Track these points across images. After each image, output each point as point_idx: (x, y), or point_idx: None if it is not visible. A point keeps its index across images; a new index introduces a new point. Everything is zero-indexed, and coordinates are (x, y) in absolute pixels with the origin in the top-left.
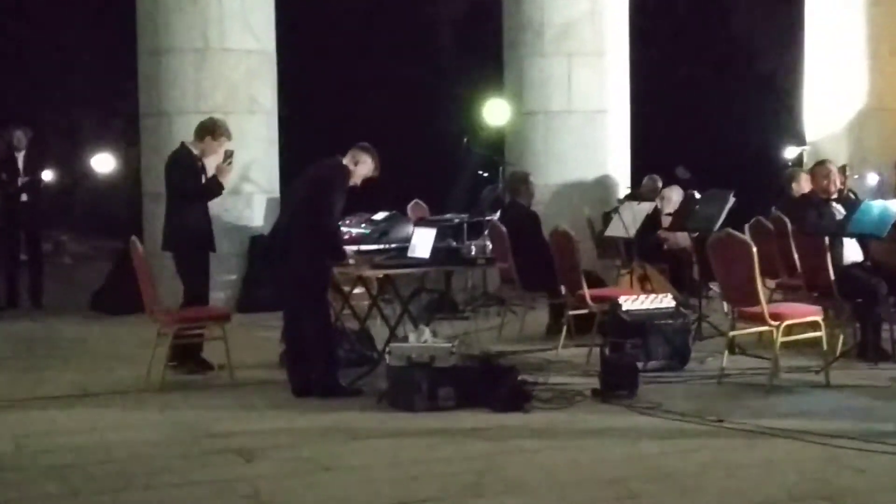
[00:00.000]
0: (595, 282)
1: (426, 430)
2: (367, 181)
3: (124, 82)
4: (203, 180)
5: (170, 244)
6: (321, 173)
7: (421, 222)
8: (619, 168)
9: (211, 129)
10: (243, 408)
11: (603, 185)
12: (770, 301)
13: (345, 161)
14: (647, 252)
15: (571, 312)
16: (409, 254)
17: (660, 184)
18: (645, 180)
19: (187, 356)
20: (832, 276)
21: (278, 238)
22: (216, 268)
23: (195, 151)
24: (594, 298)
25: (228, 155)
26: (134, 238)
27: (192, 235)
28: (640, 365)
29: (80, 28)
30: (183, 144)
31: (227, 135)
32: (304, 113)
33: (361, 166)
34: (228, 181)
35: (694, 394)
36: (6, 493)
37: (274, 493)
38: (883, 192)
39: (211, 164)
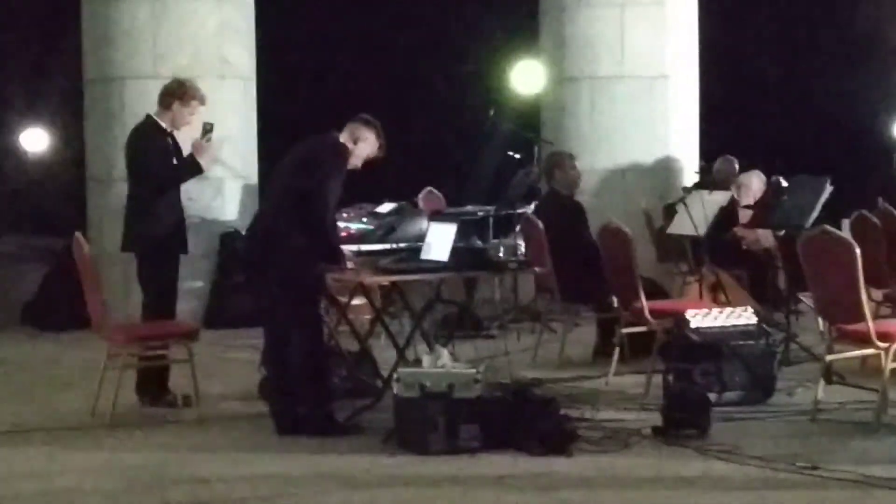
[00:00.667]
0: (655, 292)
1: (444, 478)
2: (369, 162)
3: (62, 39)
4: (175, 161)
5: (132, 244)
6: (312, 154)
7: (437, 216)
8: (684, 148)
9: (177, 93)
10: (214, 449)
11: (664, 169)
12: (877, 317)
13: (342, 138)
14: (721, 254)
15: (625, 330)
16: (423, 256)
17: (736, 166)
18: (717, 163)
19: (162, 386)
20: None
21: (257, 236)
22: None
23: (163, 124)
24: (654, 313)
25: (207, 129)
26: (77, 235)
27: (160, 233)
28: (712, 397)
29: None
30: (148, 117)
31: (200, 99)
32: (290, 78)
33: (363, 144)
34: (208, 162)
35: (781, 433)
36: None
37: None
38: None
39: (186, 138)
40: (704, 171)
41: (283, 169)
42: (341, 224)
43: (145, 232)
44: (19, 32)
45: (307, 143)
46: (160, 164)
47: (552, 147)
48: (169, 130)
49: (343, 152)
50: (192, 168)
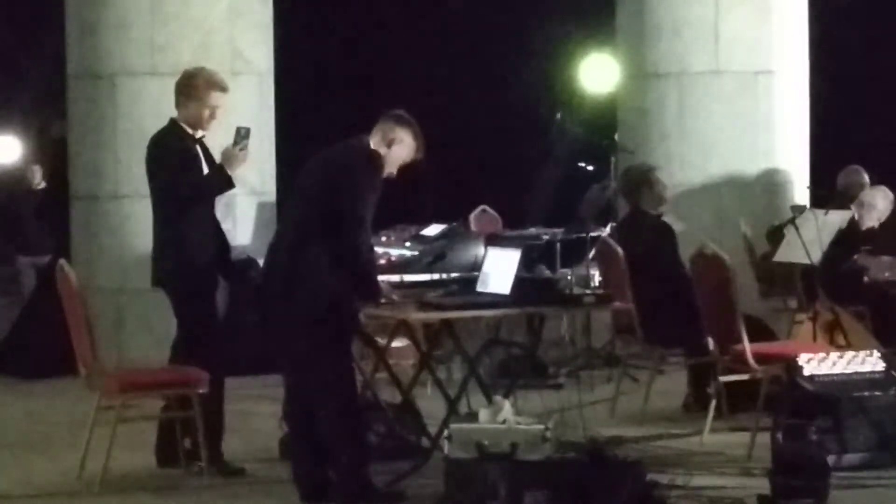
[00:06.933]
0: (759, 332)
1: None
2: (405, 168)
3: (39, 29)
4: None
5: (163, 276)
6: (340, 165)
7: (495, 240)
8: (792, 157)
9: (184, 89)
10: None
11: (769, 183)
12: None
13: (372, 142)
14: (840, 287)
15: (723, 379)
16: (479, 288)
17: (866, 178)
18: (842, 176)
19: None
20: None
21: (277, 265)
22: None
23: (188, 129)
24: (758, 357)
25: (242, 135)
26: (62, 262)
27: (190, 261)
28: (831, 460)
29: None
30: (172, 122)
31: (218, 86)
32: (315, 75)
33: (397, 147)
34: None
35: None
36: None
37: None
38: None
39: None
40: (818, 190)
41: (306, 184)
42: (379, 250)
43: (172, 261)
44: None
45: (333, 151)
46: (180, 175)
47: (633, 156)
48: (194, 136)
49: (376, 161)
50: (219, 181)
